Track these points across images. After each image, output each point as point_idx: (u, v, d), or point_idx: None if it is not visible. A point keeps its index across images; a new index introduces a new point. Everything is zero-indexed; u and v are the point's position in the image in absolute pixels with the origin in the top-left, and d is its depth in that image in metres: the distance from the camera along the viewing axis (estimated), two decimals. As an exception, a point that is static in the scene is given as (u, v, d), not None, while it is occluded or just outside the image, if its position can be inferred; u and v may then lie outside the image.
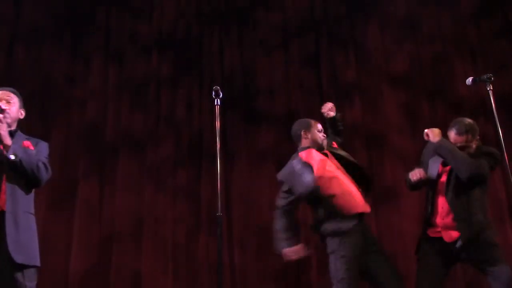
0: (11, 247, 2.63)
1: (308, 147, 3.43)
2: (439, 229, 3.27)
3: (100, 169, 5.40)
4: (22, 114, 3.06)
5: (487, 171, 3.21)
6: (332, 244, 3.18)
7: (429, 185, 3.42)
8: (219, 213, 2.76)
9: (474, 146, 3.35)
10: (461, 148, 3.29)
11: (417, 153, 4.67)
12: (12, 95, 3.01)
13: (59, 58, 5.80)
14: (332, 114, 3.71)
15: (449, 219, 3.23)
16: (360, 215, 3.26)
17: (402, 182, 5.05)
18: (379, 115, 5.48)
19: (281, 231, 3.28)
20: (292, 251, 3.22)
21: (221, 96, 2.93)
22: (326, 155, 3.42)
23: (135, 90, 5.70)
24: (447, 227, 3.23)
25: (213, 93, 2.92)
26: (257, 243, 5.01)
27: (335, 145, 3.62)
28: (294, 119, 5.25)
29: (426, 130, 3.39)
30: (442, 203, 3.30)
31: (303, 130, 3.49)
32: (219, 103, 2.93)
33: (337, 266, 3.10)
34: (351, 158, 3.52)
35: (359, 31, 5.83)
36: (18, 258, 2.65)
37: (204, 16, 5.99)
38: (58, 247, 5.04)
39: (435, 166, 3.43)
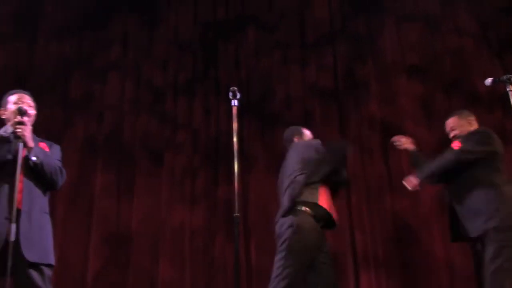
0: (23, 245, 2.66)
1: None
2: None
3: (118, 171, 5.47)
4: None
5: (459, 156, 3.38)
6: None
7: None
8: (236, 214, 2.77)
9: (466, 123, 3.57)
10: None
11: (433, 144, 4.69)
12: (30, 98, 3.08)
13: (79, 61, 5.90)
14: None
15: None
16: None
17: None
18: (396, 107, 5.47)
19: None
20: None
21: (238, 97, 2.94)
22: None
23: (152, 97, 5.76)
24: None
25: (230, 94, 2.93)
26: (274, 244, 5.00)
27: None
28: (311, 121, 5.30)
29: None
30: None
31: (296, 137, 3.70)
32: (236, 104, 2.94)
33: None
34: None
35: (375, 26, 5.82)
36: (30, 257, 2.68)
37: (220, 22, 6.03)
38: (77, 248, 5.11)
39: None
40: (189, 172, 5.42)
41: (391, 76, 5.59)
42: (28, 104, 3.01)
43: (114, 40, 6.00)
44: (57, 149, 3.10)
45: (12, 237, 2.50)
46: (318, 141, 3.58)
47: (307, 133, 3.75)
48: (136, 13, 6.12)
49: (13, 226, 2.53)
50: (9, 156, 2.76)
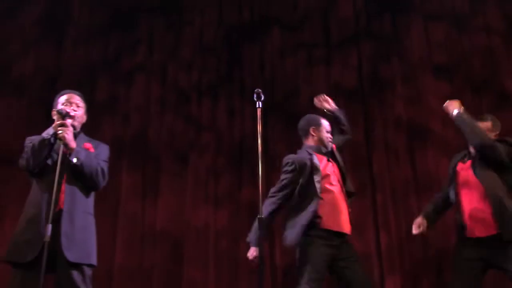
0: (64, 245, 2.71)
1: (316, 146, 3.48)
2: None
3: (143, 172, 5.53)
4: (84, 118, 3.19)
5: (499, 152, 3.19)
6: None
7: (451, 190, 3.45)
8: (260, 215, 2.76)
9: (493, 136, 3.38)
10: None
11: (461, 145, 4.59)
12: (80, 99, 3.14)
13: (105, 63, 5.98)
14: (328, 107, 3.68)
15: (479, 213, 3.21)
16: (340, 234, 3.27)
17: (446, 173, 5.01)
18: (422, 107, 5.39)
19: None
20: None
21: (262, 98, 2.93)
22: (329, 159, 3.47)
23: (177, 98, 5.80)
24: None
25: (255, 96, 2.92)
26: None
27: (334, 147, 3.59)
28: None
29: (445, 104, 3.45)
30: (468, 197, 3.29)
31: (312, 127, 3.53)
32: (260, 106, 2.94)
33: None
34: (343, 169, 3.53)
35: (401, 25, 5.76)
36: (71, 256, 2.72)
37: (245, 23, 6.05)
38: (103, 248, 5.14)
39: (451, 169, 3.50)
40: (214, 173, 5.45)
41: (417, 76, 5.52)
42: (77, 104, 3.08)
43: (139, 42, 6.06)
44: (104, 149, 3.14)
45: (47, 237, 2.53)
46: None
47: (325, 124, 3.56)
48: (161, 15, 6.18)
49: (49, 226, 2.56)
50: (51, 158, 2.82)
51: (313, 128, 3.52)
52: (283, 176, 3.42)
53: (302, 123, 3.61)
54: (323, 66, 5.73)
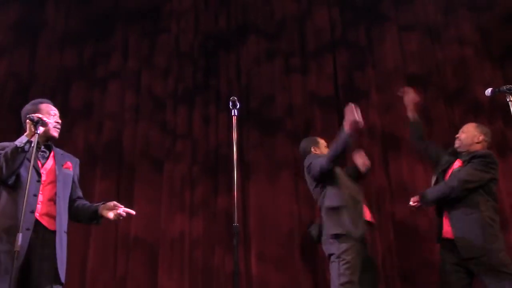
0: (59, 266, 2.74)
1: None
2: None
3: (117, 180, 5.46)
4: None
5: (461, 186, 3.46)
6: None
7: None
8: (235, 224, 2.76)
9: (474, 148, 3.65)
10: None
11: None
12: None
13: (79, 70, 5.92)
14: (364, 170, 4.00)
15: None
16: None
17: (419, 182, 5.07)
18: (396, 116, 5.44)
19: None
20: None
21: (238, 106, 2.94)
22: None
23: (152, 106, 5.76)
24: None
25: (230, 104, 2.94)
26: (275, 254, 4.99)
27: None
28: (311, 129, 5.29)
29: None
30: None
31: (312, 147, 3.91)
32: (236, 114, 2.94)
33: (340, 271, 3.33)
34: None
35: (376, 35, 5.82)
36: (62, 277, 2.75)
37: (221, 31, 6.04)
38: (75, 257, 5.08)
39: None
40: (189, 181, 5.41)
41: (391, 85, 5.57)
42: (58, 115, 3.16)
43: (115, 49, 6.01)
44: (77, 164, 3.26)
45: (17, 247, 2.48)
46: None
47: (322, 142, 3.95)
48: (137, 23, 6.14)
49: (20, 235, 2.50)
50: (24, 166, 2.76)
51: (314, 147, 3.90)
52: None
53: (303, 145, 4.00)
54: (299, 75, 5.76)
